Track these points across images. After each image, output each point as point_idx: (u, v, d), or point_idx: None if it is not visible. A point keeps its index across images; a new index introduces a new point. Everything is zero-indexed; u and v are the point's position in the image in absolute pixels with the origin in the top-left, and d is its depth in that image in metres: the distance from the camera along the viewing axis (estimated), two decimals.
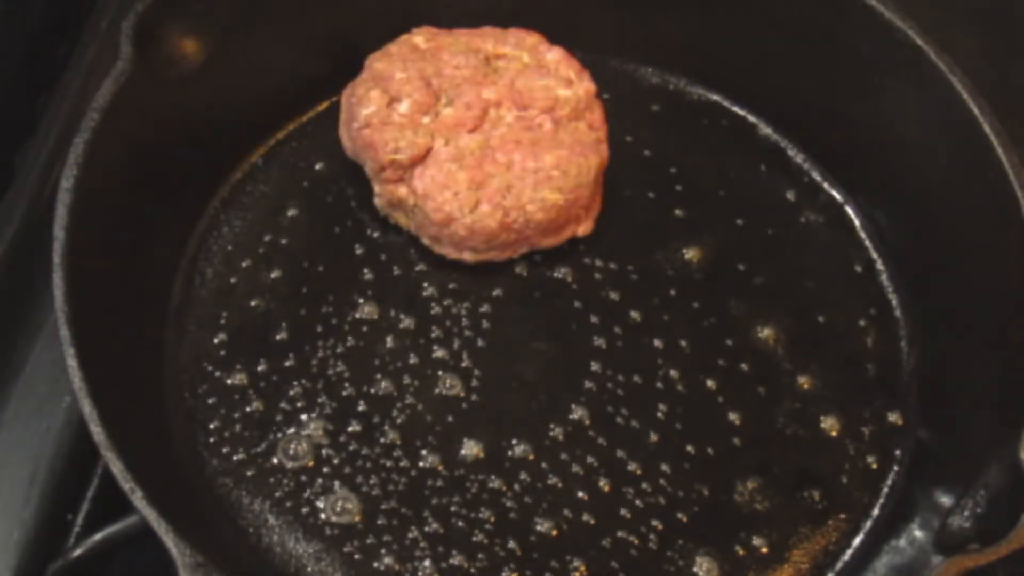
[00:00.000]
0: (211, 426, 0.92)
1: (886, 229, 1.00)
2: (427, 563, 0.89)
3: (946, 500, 0.87)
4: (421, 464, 0.92)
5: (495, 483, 0.92)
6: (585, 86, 1.02)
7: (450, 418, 0.94)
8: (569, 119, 1.00)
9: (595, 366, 0.96)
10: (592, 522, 0.91)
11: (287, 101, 1.04)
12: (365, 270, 0.99)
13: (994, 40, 1.11)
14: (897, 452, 0.95)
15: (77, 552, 0.85)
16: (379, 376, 0.95)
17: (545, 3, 1.06)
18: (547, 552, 0.90)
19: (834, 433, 0.96)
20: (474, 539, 0.90)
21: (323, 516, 0.90)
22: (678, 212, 1.04)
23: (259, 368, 0.94)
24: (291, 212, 1.01)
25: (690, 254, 1.02)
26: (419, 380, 0.95)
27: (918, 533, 0.88)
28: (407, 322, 0.97)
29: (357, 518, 0.90)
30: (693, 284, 1.01)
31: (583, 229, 1.01)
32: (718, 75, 1.08)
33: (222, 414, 0.92)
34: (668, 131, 1.08)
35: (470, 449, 0.93)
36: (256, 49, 0.98)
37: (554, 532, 0.90)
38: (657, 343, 0.98)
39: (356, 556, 0.89)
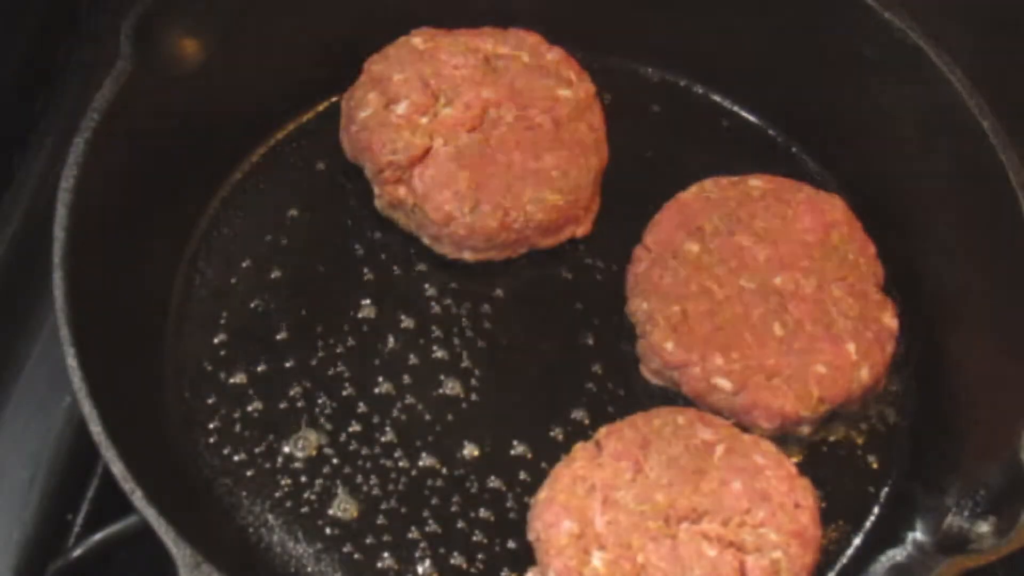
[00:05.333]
0: (211, 426, 0.92)
1: (885, 228, 1.00)
2: (427, 563, 0.89)
3: (946, 500, 0.87)
4: (421, 464, 0.92)
5: (495, 483, 0.91)
6: (585, 86, 1.02)
7: (450, 418, 0.93)
8: (569, 119, 1.00)
9: (595, 366, 0.96)
10: None
11: (287, 101, 1.04)
12: (365, 270, 0.99)
13: (992, 40, 1.10)
14: (897, 452, 0.95)
15: (77, 552, 0.85)
16: (379, 376, 0.95)
17: (545, 3, 1.06)
18: None
19: (834, 434, 0.95)
20: (474, 539, 0.90)
21: (323, 516, 0.90)
22: None
23: (259, 368, 0.94)
24: (291, 212, 1.01)
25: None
26: (419, 380, 0.95)
27: (918, 533, 0.88)
28: (407, 322, 0.97)
29: (357, 518, 0.90)
30: None
31: (582, 229, 1.01)
32: (718, 75, 1.08)
33: (222, 414, 0.92)
34: (668, 131, 1.08)
35: (470, 449, 0.93)
36: (256, 49, 0.97)
37: None
38: None
39: (356, 556, 0.89)
